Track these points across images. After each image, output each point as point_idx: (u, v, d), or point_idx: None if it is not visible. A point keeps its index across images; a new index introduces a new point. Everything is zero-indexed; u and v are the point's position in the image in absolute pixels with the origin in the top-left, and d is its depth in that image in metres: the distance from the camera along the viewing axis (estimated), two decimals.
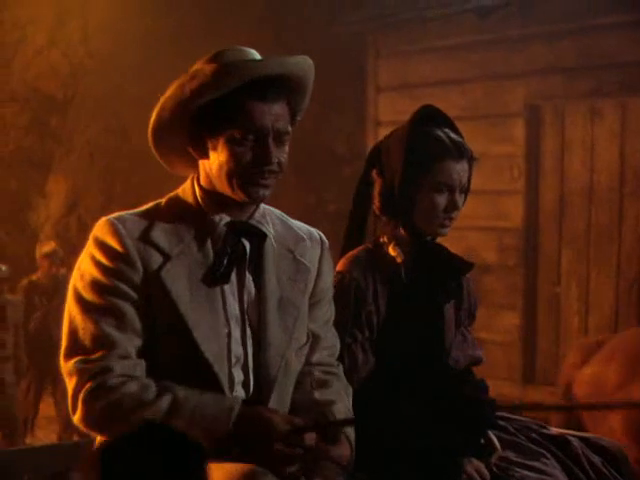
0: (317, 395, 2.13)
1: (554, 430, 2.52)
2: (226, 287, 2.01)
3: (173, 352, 1.96)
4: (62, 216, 9.32)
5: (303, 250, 2.15)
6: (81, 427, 1.94)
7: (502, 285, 6.76)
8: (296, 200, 7.84)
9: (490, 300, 6.58)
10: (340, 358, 2.28)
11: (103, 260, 1.94)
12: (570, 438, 2.45)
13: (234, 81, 1.92)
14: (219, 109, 1.94)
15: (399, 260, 2.40)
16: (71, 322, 1.96)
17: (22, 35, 9.32)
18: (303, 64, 2.03)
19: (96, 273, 1.94)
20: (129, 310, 1.94)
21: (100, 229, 1.98)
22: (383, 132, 7.22)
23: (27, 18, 9.20)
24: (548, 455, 2.35)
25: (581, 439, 2.47)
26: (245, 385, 2.03)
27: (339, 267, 2.42)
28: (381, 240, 2.46)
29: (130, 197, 8.81)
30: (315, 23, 8.34)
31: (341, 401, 2.14)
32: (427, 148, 2.36)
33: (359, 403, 2.25)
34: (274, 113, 1.96)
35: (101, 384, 1.89)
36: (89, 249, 1.98)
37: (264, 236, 2.06)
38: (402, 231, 2.44)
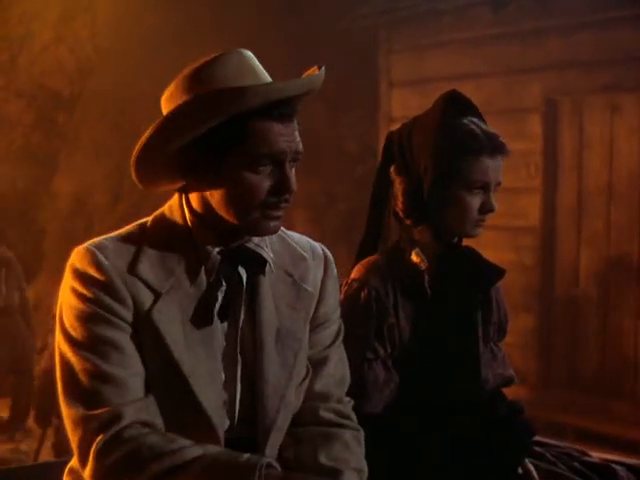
0: (322, 458, 1.85)
1: (597, 457, 2.31)
2: (218, 323, 1.76)
3: (163, 400, 1.73)
4: (69, 214, 9.21)
5: (304, 272, 1.88)
6: None
7: (518, 286, 6.59)
8: (307, 198, 7.71)
9: (505, 301, 6.41)
10: (360, 376, 2.06)
11: (87, 293, 1.70)
12: (615, 467, 2.23)
13: (252, 104, 1.64)
14: (224, 130, 1.67)
15: (423, 267, 2.17)
16: (65, 364, 1.71)
17: (28, 31, 9.21)
18: (320, 79, 1.76)
19: (82, 306, 1.70)
20: (127, 343, 1.70)
21: (79, 259, 1.72)
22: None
23: (33, 13, 9.10)
24: None
25: (628, 467, 2.26)
26: (229, 430, 1.80)
27: (355, 274, 2.19)
28: (402, 245, 2.22)
29: (136, 196, 8.70)
30: (325, 18, 8.19)
31: (349, 466, 1.86)
32: (460, 142, 2.12)
33: (382, 428, 2.05)
34: (290, 132, 1.70)
35: (114, 437, 1.65)
36: (69, 282, 1.73)
37: (263, 262, 1.81)
38: (427, 235, 2.20)
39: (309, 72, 1.77)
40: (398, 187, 2.21)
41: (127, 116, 8.83)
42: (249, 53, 1.75)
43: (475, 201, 2.14)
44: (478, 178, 2.12)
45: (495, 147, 2.14)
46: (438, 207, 2.15)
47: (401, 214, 2.22)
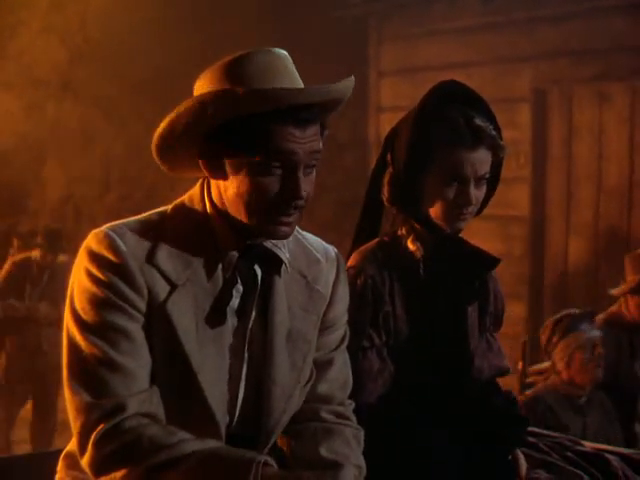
0: (323, 451, 1.83)
1: (589, 446, 2.31)
2: (229, 320, 1.75)
3: (168, 392, 1.71)
4: (58, 204, 9.19)
5: (317, 274, 1.86)
6: (90, 472, 1.69)
7: (508, 275, 6.61)
8: None
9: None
10: (355, 365, 2.03)
11: (102, 276, 1.66)
12: (608, 456, 2.23)
13: (263, 108, 1.61)
14: (242, 129, 1.64)
15: (418, 255, 2.14)
16: (73, 346, 1.68)
17: (17, 20, 9.17)
18: (347, 88, 1.75)
19: (96, 289, 1.66)
20: (138, 332, 1.68)
21: (97, 242, 1.68)
22: (385, 118, 7.15)
23: (22, 2, 9.06)
24: (585, 477, 2.15)
25: (621, 457, 2.26)
26: (228, 427, 1.79)
27: (351, 262, 2.17)
28: (399, 233, 2.19)
29: (126, 186, 8.68)
30: (316, 7, 8.17)
31: (350, 461, 1.84)
32: (436, 132, 2.07)
33: (375, 418, 2.04)
34: (307, 137, 1.66)
35: (115, 427, 1.64)
36: (83, 263, 1.68)
37: (280, 262, 1.78)
38: (414, 223, 2.17)
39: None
40: (386, 175, 2.20)
41: (117, 107, 8.81)
42: (282, 53, 1.72)
43: (449, 193, 2.08)
44: (452, 170, 2.06)
45: (476, 139, 2.07)
46: (414, 197, 2.12)
47: (385, 202, 2.21)
